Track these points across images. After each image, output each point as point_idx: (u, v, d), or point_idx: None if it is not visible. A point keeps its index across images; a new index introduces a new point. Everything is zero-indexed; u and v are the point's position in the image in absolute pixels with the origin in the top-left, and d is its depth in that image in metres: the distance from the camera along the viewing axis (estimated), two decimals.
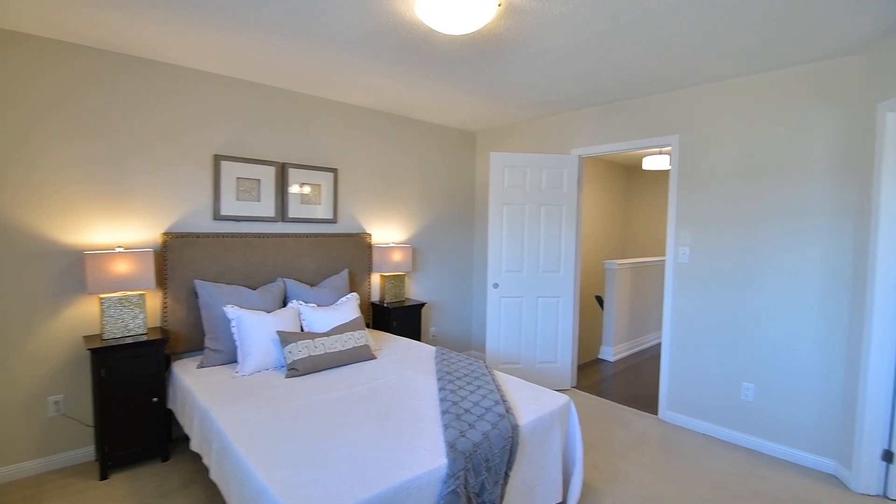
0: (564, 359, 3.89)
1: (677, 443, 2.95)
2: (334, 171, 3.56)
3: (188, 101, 2.89)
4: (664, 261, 5.94)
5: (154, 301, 2.78)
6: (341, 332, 2.73)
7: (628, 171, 6.85)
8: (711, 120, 3.07)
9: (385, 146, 3.95)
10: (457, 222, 4.60)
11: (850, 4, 2.00)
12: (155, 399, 2.51)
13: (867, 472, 2.40)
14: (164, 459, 2.58)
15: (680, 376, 3.24)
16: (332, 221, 3.56)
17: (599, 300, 5.72)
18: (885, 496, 2.38)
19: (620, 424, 3.20)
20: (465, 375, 2.44)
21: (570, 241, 3.84)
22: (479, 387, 2.26)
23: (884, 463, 2.38)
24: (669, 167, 5.08)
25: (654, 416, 3.37)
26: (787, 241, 2.77)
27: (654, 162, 5.12)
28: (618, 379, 4.21)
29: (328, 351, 2.59)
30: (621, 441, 2.95)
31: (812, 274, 2.69)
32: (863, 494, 2.40)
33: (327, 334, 2.68)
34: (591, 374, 4.31)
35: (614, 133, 3.61)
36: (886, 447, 2.37)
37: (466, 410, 1.98)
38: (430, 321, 4.35)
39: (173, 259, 2.77)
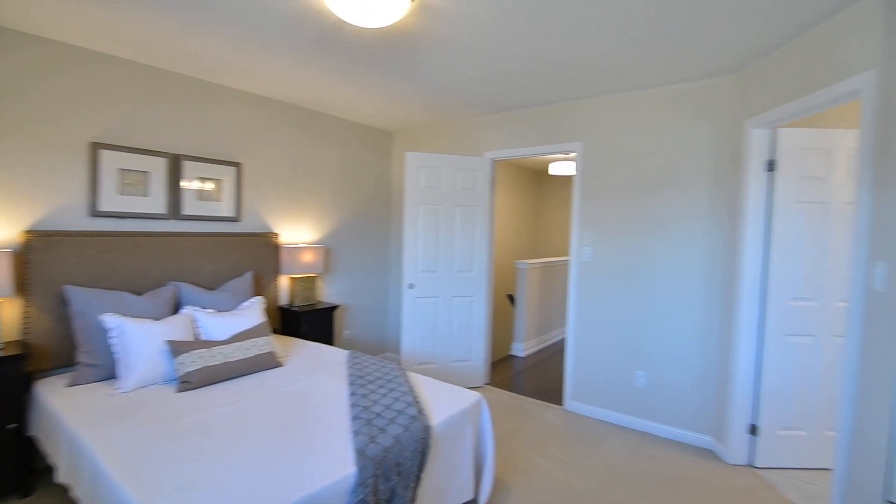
0: (478, 357, 3.98)
1: (580, 431, 3.14)
2: (238, 165, 3.31)
3: (64, 82, 2.52)
4: (570, 260, 6.31)
5: (12, 311, 2.37)
6: (243, 339, 2.54)
7: (537, 176, 7.19)
8: (611, 129, 3.31)
9: (297, 142, 3.76)
10: (373, 222, 4.51)
11: (723, 31, 2.26)
12: (13, 425, 2.15)
13: (737, 445, 2.73)
14: (26, 494, 2.21)
15: (582, 368, 3.45)
16: (235, 220, 3.31)
17: (511, 298, 5.94)
18: (751, 465, 2.72)
19: (529, 417, 3.34)
20: (379, 378, 2.38)
21: (483, 241, 3.93)
22: (392, 389, 2.22)
23: (749, 436, 2.72)
24: (574, 173, 5.42)
25: (560, 407, 3.56)
26: (674, 244, 3.07)
27: (561, 168, 5.42)
28: (527, 374, 4.39)
29: (227, 360, 2.39)
30: (530, 433, 3.07)
31: (694, 273, 3.00)
32: (734, 465, 2.73)
33: (227, 342, 2.48)
34: (503, 371, 4.45)
35: (524, 138, 3.76)
36: (751, 422, 2.71)
37: (378, 415, 1.93)
38: (345, 324, 4.22)
39: (37, 261, 2.39)
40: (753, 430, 2.70)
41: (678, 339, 3.06)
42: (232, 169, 3.28)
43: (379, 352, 4.61)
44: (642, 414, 3.20)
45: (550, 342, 5.64)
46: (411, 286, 3.78)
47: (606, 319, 3.35)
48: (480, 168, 3.90)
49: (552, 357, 5.01)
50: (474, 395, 2.26)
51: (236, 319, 2.72)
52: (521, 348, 5.02)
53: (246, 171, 3.40)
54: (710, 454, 2.87)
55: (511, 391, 3.88)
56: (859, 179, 1.91)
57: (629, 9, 2.05)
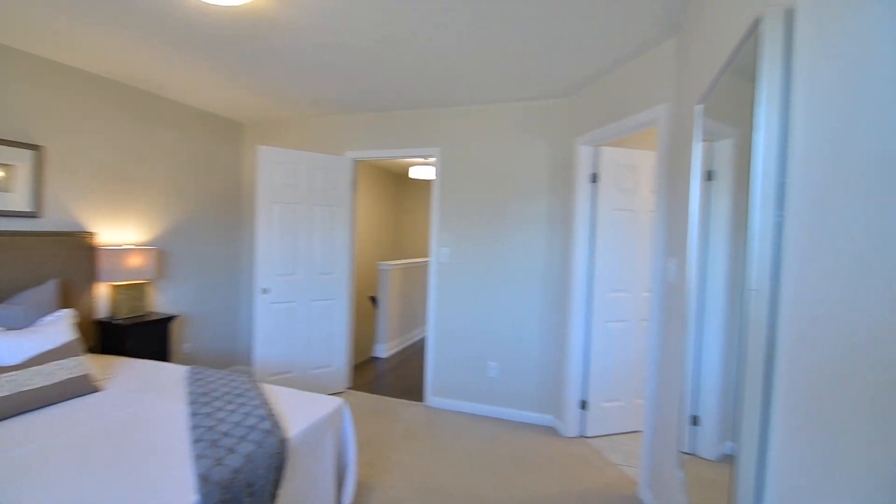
0: (339, 361, 3.88)
1: (441, 425, 3.27)
2: (38, 148, 2.70)
3: None
4: (430, 260, 6.52)
5: None
6: (43, 363, 2.08)
7: (398, 179, 7.30)
8: (466, 138, 3.53)
9: (125, 126, 3.21)
10: (222, 221, 4.08)
11: (557, 61, 2.57)
12: None
13: (572, 420, 3.13)
14: None
15: (442, 364, 3.60)
16: (34, 215, 2.70)
17: (373, 300, 5.92)
18: (583, 436, 3.15)
19: (392, 417, 3.37)
20: (226, 394, 2.16)
21: (344, 242, 3.85)
22: (242, 405, 2.03)
23: (581, 410, 3.14)
24: (434, 177, 5.60)
25: (421, 403, 3.67)
26: (520, 245, 3.39)
27: (420, 171, 5.59)
28: (390, 374, 4.42)
29: (23, 389, 1.93)
30: (393, 433, 3.10)
31: (536, 271, 3.36)
32: (570, 437, 3.12)
33: (21, 366, 2.00)
34: (365, 373, 4.42)
35: (385, 140, 3.78)
36: (582, 398, 3.14)
37: (225, 434, 1.75)
38: (184, 337, 3.73)
39: None
40: (584, 405, 3.13)
41: (523, 330, 3.39)
42: (28, 153, 2.66)
43: (228, 365, 4.19)
44: (496, 402, 3.47)
45: (412, 341, 5.77)
46: (265, 291, 3.52)
47: (463, 315, 3.55)
48: (341, 167, 3.81)
49: (414, 355, 5.13)
50: (335, 402, 2.20)
51: (34, 338, 2.21)
52: (384, 349, 5.04)
53: (51, 157, 2.79)
54: (551, 431, 3.23)
55: (374, 393, 3.87)
56: (658, 192, 2.34)
57: (477, 29, 2.21)
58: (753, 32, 1.09)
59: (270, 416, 1.92)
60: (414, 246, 7.32)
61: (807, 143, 0.91)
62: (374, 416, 3.38)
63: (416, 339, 5.89)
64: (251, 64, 2.77)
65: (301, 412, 2.04)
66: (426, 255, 7.10)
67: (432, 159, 3.68)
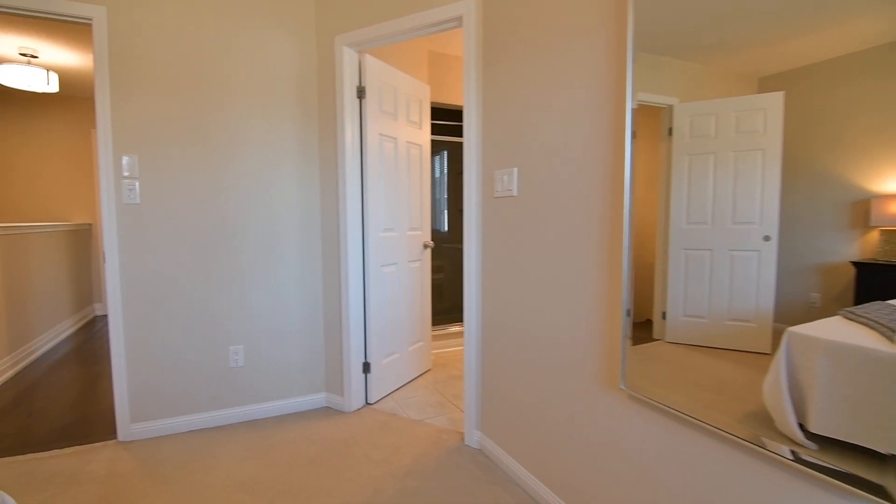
0: None
1: (168, 464, 2.07)
2: None
3: None
4: (60, 226, 4.29)
5: None
6: None
7: None
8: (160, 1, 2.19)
9: None
10: None
11: None
12: None
13: (356, 389, 2.58)
14: None
15: (144, 368, 2.28)
16: None
17: None
18: (368, 404, 2.66)
19: (58, 485, 1.88)
20: None
21: None
22: None
23: (364, 375, 2.63)
24: (48, 87, 3.55)
25: (114, 441, 2.24)
26: (258, 178, 2.45)
27: (19, 75, 3.39)
28: (10, 418, 2.55)
29: None
30: None
31: (288, 213, 2.52)
32: (356, 410, 2.57)
33: None
34: None
35: None
36: (365, 360, 2.63)
37: None
38: None
39: None
40: (367, 367, 2.63)
41: (277, 295, 2.53)
42: None
43: None
44: (247, 398, 2.49)
45: (42, 352, 3.60)
46: None
47: (175, 288, 2.32)
48: None
49: (55, 373, 3.18)
50: None
51: None
52: None
53: None
54: (329, 411, 2.59)
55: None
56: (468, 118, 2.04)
57: None
58: None
59: None
60: (18, 203, 4.61)
61: None
62: (20, 496, 1.79)
63: (50, 345, 3.70)
64: None
65: None
66: (50, 219, 4.65)
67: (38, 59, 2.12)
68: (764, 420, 1.00)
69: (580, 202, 1.49)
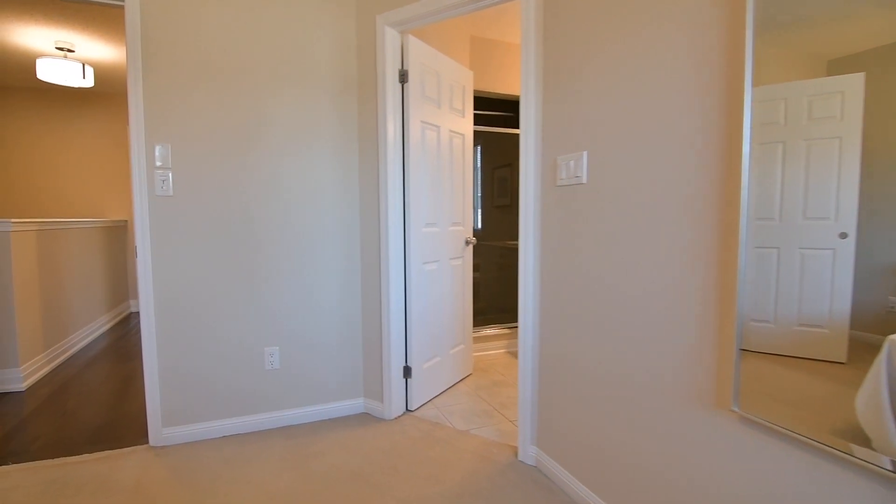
0: None
1: (202, 471, 1.94)
2: None
3: None
4: (97, 222, 4.29)
5: None
6: None
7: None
8: None
9: None
10: None
11: None
12: None
13: (396, 395, 2.40)
14: None
15: (178, 369, 2.16)
16: None
17: None
18: (409, 411, 2.48)
19: (85, 493, 1.77)
20: None
21: None
22: None
23: (404, 380, 2.45)
24: (84, 81, 3.51)
25: (145, 446, 2.13)
26: (299, 169, 2.30)
27: (56, 70, 3.36)
28: (44, 417, 2.47)
29: None
30: None
31: (327, 203, 2.36)
32: (396, 418, 2.40)
33: None
34: None
35: None
36: (406, 364, 2.45)
37: None
38: None
39: None
40: (407, 371, 2.46)
41: (313, 294, 2.37)
42: None
43: None
44: (282, 403, 2.35)
45: (77, 349, 3.58)
46: None
47: (209, 285, 2.19)
48: None
49: (90, 370, 3.12)
50: None
51: None
52: (20, 377, 2.83)
53: None
54: (367, 418, 2.42)
55: (22, 461, 2.01)
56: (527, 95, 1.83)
57: None
58: None
59: None
60: (49, 198, 4.64)
61: None
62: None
63: (85, 342, 3.68)
64: None
65: None
66: (86, 214, 4.68)
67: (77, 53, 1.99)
68: (855, 438, 0.88)
69: (676, 191, 1.26)
